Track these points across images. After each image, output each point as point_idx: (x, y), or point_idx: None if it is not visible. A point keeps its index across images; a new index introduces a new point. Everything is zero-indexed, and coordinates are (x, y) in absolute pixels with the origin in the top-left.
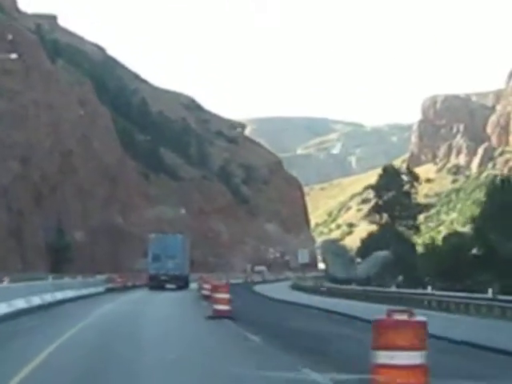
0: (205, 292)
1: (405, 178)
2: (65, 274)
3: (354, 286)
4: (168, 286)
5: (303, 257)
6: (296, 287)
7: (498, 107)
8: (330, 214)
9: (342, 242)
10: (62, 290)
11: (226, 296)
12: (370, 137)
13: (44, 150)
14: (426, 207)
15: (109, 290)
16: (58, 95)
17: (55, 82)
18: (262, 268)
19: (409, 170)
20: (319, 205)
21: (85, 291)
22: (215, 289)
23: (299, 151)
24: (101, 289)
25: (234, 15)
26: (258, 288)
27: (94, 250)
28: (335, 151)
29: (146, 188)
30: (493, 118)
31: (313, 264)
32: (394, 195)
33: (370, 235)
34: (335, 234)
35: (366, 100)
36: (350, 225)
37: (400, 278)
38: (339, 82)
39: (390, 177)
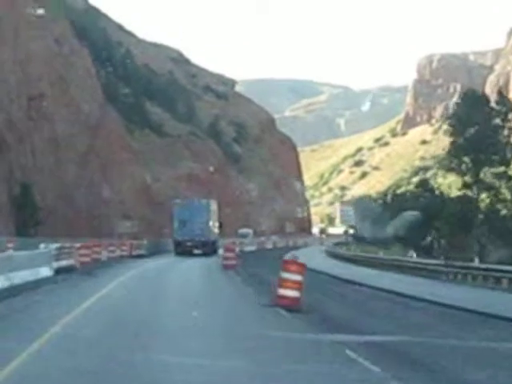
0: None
1: (495, 106)
2: (30, 238)
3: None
4: (195, 251)
5: None
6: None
7: (497, 66)
8: (321, 177)
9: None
10: None
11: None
12: (359, 99)
13: (8, 91)
14: (422, 170)
15: (62, 272)
16: (26, 29)
17: (24, 14)
18: (248, 231)
19: (502, 97)
20: (310, 167)
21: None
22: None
23: (286, 113)
24: (45, 271)
25: None
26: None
27: (68, 212)
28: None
29: (129, 142)
30: (491, 78)
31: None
32: (478, 130)
33: None
34: (327, 198)
35: (353, 63)
36: (343, 188)
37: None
38: (325, 44)
39: (472, 105)
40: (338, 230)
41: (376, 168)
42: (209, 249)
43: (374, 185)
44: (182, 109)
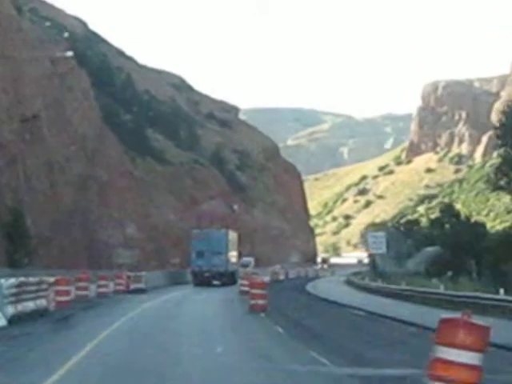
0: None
1: None
2: (20, 270)
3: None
4: (214, 282)
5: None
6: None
7: (503, 93)
8: (325, 206)
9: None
10: None
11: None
12: (362, 127)
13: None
14: (428, 198)
15: (23, 320)
16: (21, 47)
17: (19, 31)
18: (249, 260)
19: None
20: (314, 196)
21: None
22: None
23: (289, 142)
24: None
25: None
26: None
27: (63, 240)
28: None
29: (130, 169)
30: (497, 105)
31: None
32: None
33: None
34: (331, 227)
35: (356, 91)
36: (347, 217)
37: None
38: (328, 74)
39: None
40: (343, 259)
41: (380, 197)
42: (228, 279)
43: (379, 214)
44: (184, 136)
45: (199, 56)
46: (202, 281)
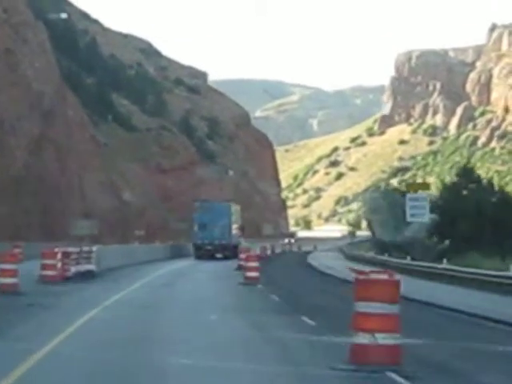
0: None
1: None
2: None
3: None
4: (217, 255)
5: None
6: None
7: (479, 63)
8: (295, 178)
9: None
10: None
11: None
12: (331, 99)
13: None
14: (401, 170)
15: None
16: None
17: None
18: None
19: None
20: (284, 168)
21: None
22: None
23: (258, 114)
24: None
25: None
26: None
27: (14, 207)
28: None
29: (92, 133)
30: (473, 75)
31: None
32: None
33: None
34: (301, 200)
35: (325, 63)
36: (318, 189)
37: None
38: (297, 45)
39: None
40: (316, 233)
41: (352, 169)
42: (230, 252)
43: (351, 186)
44: (151, 102)
45: (167, 21)
46: (204, 254)
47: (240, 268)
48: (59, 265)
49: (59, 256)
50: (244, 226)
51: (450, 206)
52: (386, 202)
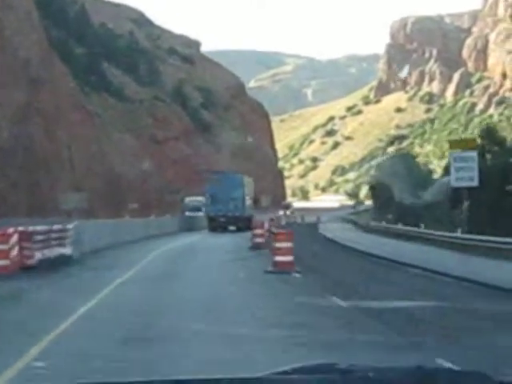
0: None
1: None
2: None
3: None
4: (230, 227)
5: None
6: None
7: (475, 29)
8: (291, 148)
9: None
10: None
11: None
12: (325, 69)
13: None
14: (398, 139)
15: None
16: None
17: None
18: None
19: None
20: (279, 138)
21: None
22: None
23: (252, 84)
24: None
25: None
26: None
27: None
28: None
29: (83, 103)
30: (469, 41)
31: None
32: None
33: None
34: (298, 170)
35: (318, 32)
36: (314, 159)
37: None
38: (289, 15)
39: None
40: (314, 203)
41: (349, 138)
42: (243, 224)
43: (347, 155)
44: (143, 72)
45: None
46: (218, 226)
47: (256, 247)
48: (15, 250)
49: (15, 238)
50: (258, 198)
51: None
52: (403, 167)
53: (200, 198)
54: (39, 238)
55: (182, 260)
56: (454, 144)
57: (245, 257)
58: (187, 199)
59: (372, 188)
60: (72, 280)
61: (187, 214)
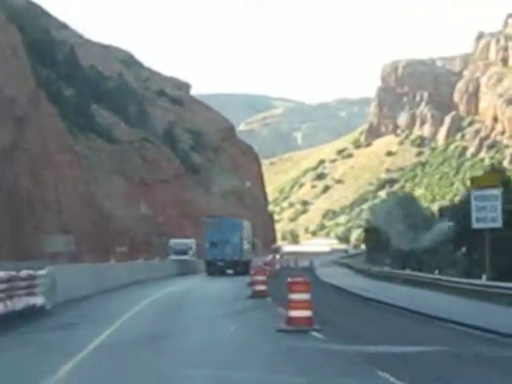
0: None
1: None
2: None
3: None
4: (228, 271)
5: None
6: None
7: (466, 72)
8: (281, 191)
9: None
10: None
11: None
12: (315, 112)
13: None
14: (389, 182)
15: None
16: None
17: None
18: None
19: None
20: (269, 181)
21: None
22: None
23: (242, 127)
24: None
25: None
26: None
27: None
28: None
29: (71, 143)
30: (460, 85)
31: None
32: None
33: None
34: (288, 213)
35: (308, 76)
36: (304, 202)
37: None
38: (279, 59)
39: None
40: (304, 247)
41: (339, 181)
42: (241, 268)
43: (338, 199)
44: (133, 113)
45: (148, 32)
46: (216, 270)
47: (257, 295)
48: None
49: None
50: (255, 242)
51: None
52: (401, 210)
53: (186, 240)
54: (1, 286)
55: (171, 315)
56: (476, 180)
57: (246, 308)
58: (172, 241)
59: (366, 231)
60: (29, 348)
61: (172, 257)
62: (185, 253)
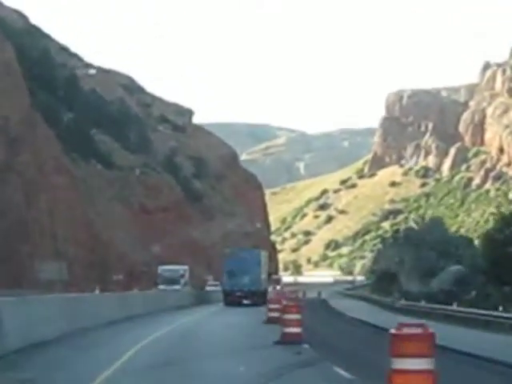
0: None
1: None
2: None
3: None
4: (245, 301)
5: None
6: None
7: (472, 103)
8: (283, 221)
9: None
10: None
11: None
12: (318, 142)
13: None
14: (393, 213)
15: None
16: None
17: None
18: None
19: None
20: (271, 211)
21: None
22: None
23: (244, 157)
24: None
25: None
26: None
27: None
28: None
29: (68, 166)
30: (466, 115)
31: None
32: None
33: None
34: (290, 244)
35: (311, 106)
36: (307, 233)
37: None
38: (282, 88)
39: None
40: (307, 278)
41: (342, 211)
42: (259, 299)
43: (341, 229)
44: (134, 139)
45: (150, 57)
46: (233, 300)
47: (287, 341)
48: None
49: None
50: (271, 273)
51: (491, 261)
52: (411, 252)
53: (177, 267)
54: None
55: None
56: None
57: (282, 366)
58: (160, 268)
59: (373, 272)
60: None
61: (161, 287)
62: (175, 282)
